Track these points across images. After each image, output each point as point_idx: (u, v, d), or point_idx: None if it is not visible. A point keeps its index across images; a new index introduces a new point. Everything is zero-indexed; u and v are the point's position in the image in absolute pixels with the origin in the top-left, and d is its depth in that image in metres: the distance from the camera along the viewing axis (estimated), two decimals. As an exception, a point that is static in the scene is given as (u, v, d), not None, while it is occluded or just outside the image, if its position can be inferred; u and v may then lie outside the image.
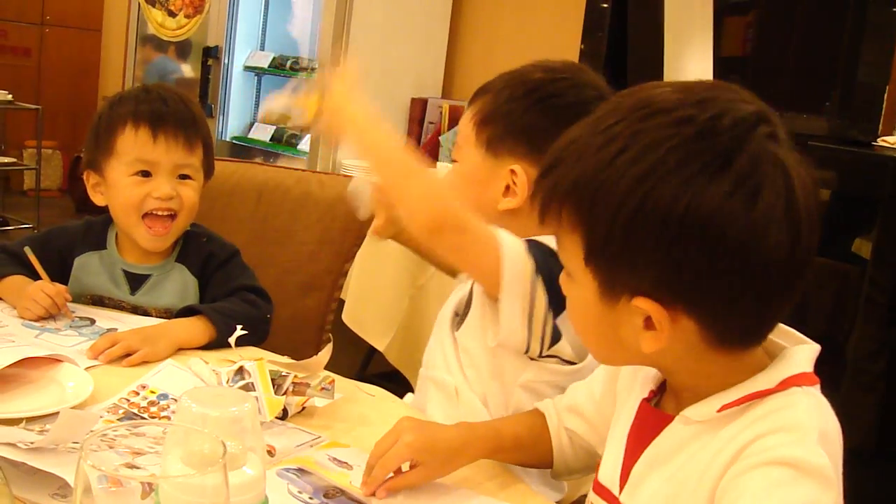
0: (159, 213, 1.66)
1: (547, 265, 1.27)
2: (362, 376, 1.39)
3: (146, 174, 1.66)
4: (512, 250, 1.28)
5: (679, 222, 0.82)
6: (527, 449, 1.23)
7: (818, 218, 0.87)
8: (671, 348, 0.89)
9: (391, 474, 1.10)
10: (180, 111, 1.70)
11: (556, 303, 1.29)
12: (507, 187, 1.38)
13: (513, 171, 1.37)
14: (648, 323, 0.88)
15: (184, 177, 1.69)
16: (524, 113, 1.37)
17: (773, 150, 0.84)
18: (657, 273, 0.85)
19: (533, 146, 1.35)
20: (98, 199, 1.72)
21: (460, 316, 1.45)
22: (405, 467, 1.12)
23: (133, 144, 1.65)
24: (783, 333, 0.94)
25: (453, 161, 1.47)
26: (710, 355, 0.89)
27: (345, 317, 3.16)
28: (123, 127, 1.66)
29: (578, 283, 0.93)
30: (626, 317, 0.89)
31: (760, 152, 0.83)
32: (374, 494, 1.09)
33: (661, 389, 1.00)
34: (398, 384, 2.30)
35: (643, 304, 0.86)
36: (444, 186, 1.31)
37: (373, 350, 3.39)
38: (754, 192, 0.82)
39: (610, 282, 0.89)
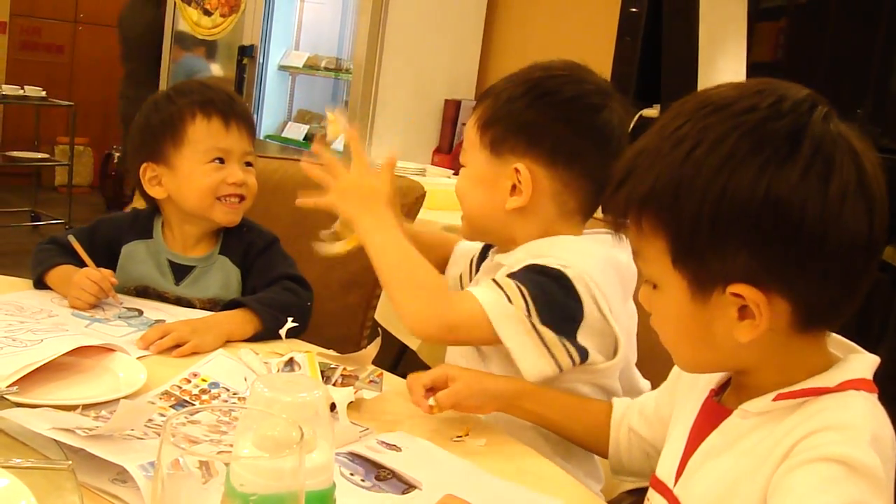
0: (231, 198, 1.70)
1: (543, 294, 1.29)
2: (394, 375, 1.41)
3: (221, 161, 1.70)
4: (492, 305, 1.30)
5: (760, 206, 0.85)
6: (573, 426, 1.31)
7: (887, 192, 0.89)
8: (761, 337, 0.90)
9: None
10: (242, 103, 1.77)
11: (563, 328, 1.31)
12: (514, 186, 1.39)
13: (516, 170, 1.38)
14: (743, 313, 0.90)
15: (248, 164, 1.74)
16: (523, 110, 1.39)
17: (834, 128, 0.88)
18: (748, 257, 0.87)
19: (532, 142, 1.38)
20: (156, 192, 1.74)
21: None
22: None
23: (207, 133, 1.69)
24: (841, 345, 0.96)
25: (462, 166, 1.48)
26: (790, 342, 0.91)
27: (377, 315, 3.15)
28: (193, 117, 1.69)
29: (666, 289, 0.94)
30: (719, 311, 0.91)
31: (823, 133, 0.87)
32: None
33: (722, 388, 1.01)
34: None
35: (740, 290, 0.88)
36: (439, 290, 1.35)
37: (403, 349, 3.39)
38: (827, 171, 0.85)
39: (701, 277, 0.91)
